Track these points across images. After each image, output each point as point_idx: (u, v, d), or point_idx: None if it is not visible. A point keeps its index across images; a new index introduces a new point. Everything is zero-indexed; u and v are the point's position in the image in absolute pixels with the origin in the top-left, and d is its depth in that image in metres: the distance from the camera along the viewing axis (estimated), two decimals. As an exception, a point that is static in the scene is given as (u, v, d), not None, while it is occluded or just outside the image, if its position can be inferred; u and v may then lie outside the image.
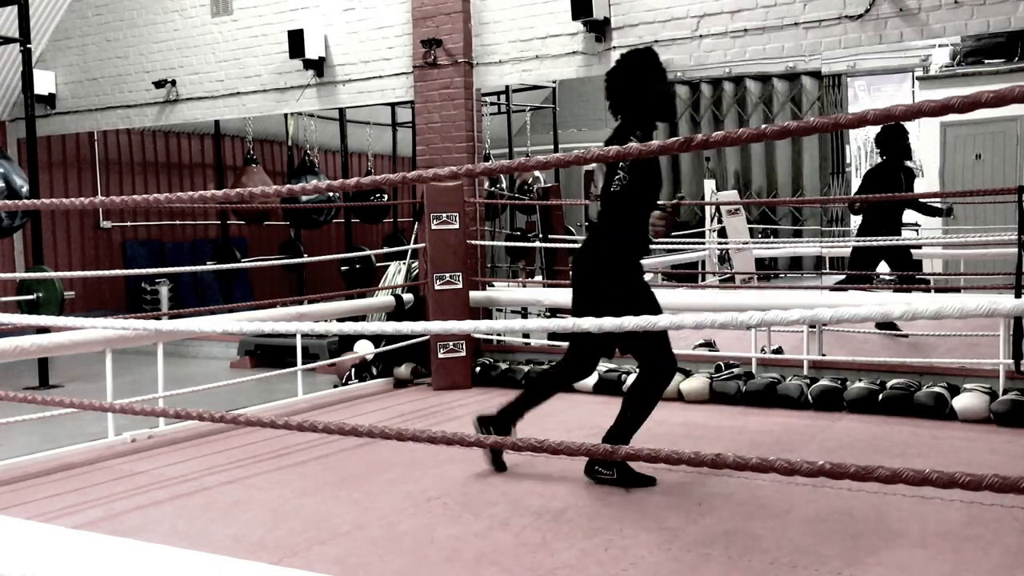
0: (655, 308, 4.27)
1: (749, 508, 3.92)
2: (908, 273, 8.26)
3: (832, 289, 8.12)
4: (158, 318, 8.33)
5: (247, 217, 11.81)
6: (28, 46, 8.70)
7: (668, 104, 4.43)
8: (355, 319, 7.73)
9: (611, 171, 4.14)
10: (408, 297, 7.69)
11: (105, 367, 5.41)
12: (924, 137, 12.20)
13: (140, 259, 12.02)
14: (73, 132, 10.91)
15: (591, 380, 6.55)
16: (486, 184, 9.75)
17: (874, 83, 14.32)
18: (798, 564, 3.28)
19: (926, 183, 12.16)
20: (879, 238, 8.30)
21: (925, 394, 5.60)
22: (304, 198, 10.30)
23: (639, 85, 4.23)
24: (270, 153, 13.21)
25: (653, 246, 4.48)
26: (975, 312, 1.89)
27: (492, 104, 10.79)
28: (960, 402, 5.47)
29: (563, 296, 7.15)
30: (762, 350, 6.85)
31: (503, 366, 7.07)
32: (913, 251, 11.86)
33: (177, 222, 12.88)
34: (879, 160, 8.43)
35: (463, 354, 7.05)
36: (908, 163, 8.87)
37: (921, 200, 8.34)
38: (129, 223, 12.38)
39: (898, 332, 7.58)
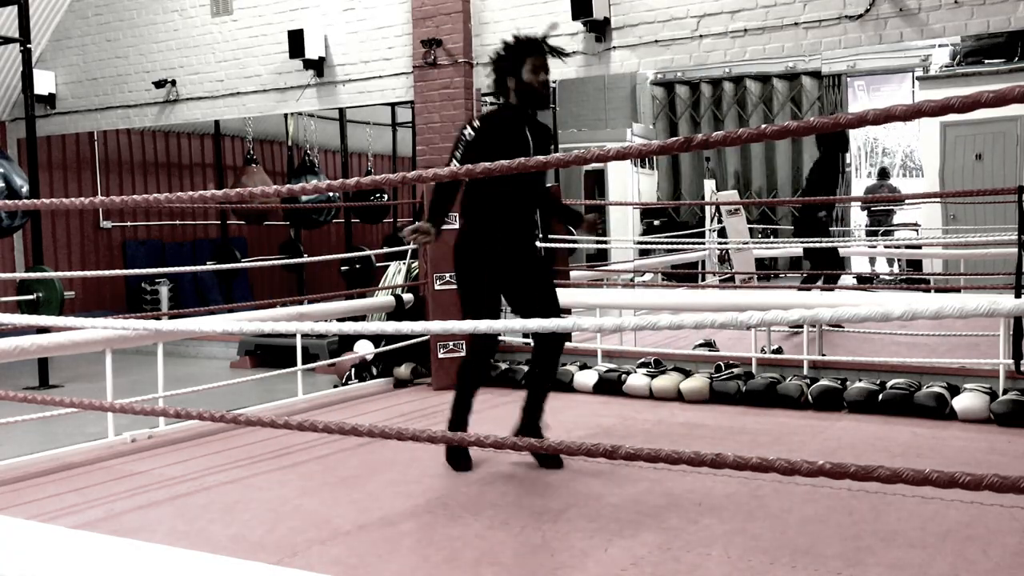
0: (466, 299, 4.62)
1: (749, 508, 3.92)
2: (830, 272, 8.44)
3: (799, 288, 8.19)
4: (158, 318, 8.34)
5: (247, 217, 11.81)
6: (28, 46, 8.70)
7: (527, 94, 4.52)
8: (355, 319, 7.73)
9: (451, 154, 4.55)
10: (408, 297, 7.69)
11: (105, 367, 5.41)
12: (924, 137, 12.23)
13: (140, 259, 12.03)
14: (73, 132, 10.91)
15: (591, 380, 6.56)
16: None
17: (874, 83, 14.35)
18: (798, 564, 3.28)
19: (926, 183, 12.19)
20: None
21: (925, 394, 5.59)
22: (304, 198, 10.30)
23: (501, 73, 4.56)
24: (270, 153, 13.22)
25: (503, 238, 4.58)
26: (975, 312, 1.89)
27: (492, 104, 10.78)
28: (960, 402, 5.46)
29: (563, 296, 7.14)
30: (762, 350, 6.85)
31: (503, 366, 7.06)
32: (913, 251, 11.91)
33: (177, 222, 12.89)
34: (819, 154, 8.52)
35: (463, 354, 7.04)
36: (844, 154, 9.08)
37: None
38: (129, 223, 12.38)
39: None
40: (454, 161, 4.45)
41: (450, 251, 7.21)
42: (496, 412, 5.70)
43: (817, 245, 8.24)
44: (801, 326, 6.60)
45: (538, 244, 4.91)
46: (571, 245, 10.65)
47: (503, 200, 4.51)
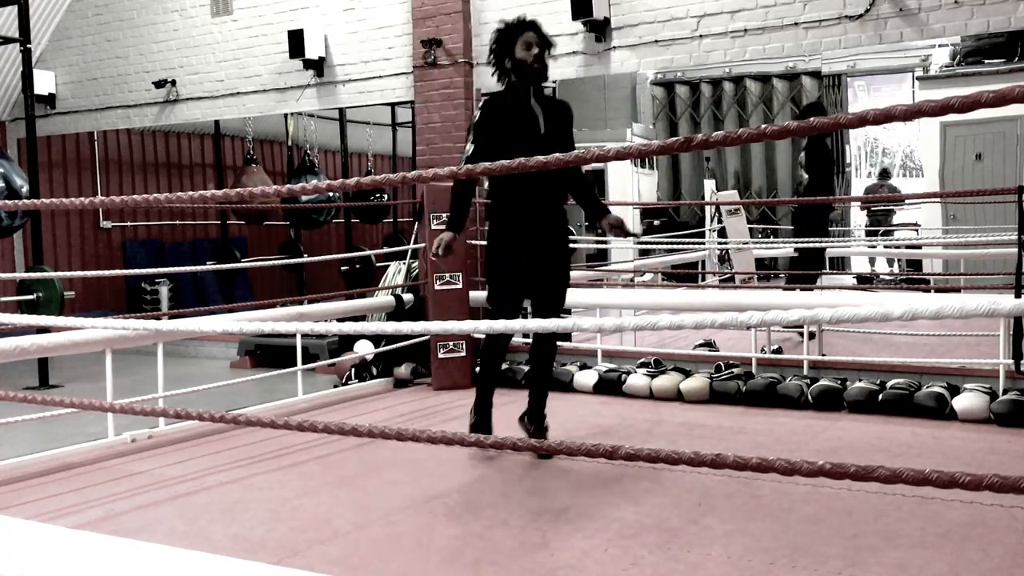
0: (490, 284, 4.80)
1: (749, 508, 3.92)
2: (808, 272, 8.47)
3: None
4: (158, 318, 8.33)
5: (247, 217, 11.81)
6: (28, 46, 8.70)
7: (522, 70, 4.62)
8: (355, 319, 7.73)
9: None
10: (408, 297, 7.69)
11: (105, 367, 5.41)
12: (924, 137, 12.22)
13: (140, 259, 12.02)
14: (73, 132, 10.91)
15: (591, 380, 6.56)
16: (486, 184, 9.75)
17: (874, 83, 14.35)
18: (798, 564, 3.28)
19: (926, 183, 12.18)
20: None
21: (925, 394, 5.59)
22: (304, 198, 10.30)
23: (498, 58, 4.68)
24: (270, 153, 13.21)
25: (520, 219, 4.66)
26: (975, 312, 1.89)
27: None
28: (960, 402, 5.46)
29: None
30: (762, 350, 6.85)
31: (503, 366, 7.06)
32: (913, 251, 11.91)
33: (177, 222, 12.89)
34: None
35: (463, 354, 7.05)
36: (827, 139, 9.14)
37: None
38: (129, 223, 12.38)
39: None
40: (469, 145, 4.61)
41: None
42: (496, 412, 5.69)
43: (815, 246, 8.24)
44: (802, 327, 6.60)
45: (564, 231, 4.89)
46: (571, 245, 10.64)
47: (519, 186, 4.58)
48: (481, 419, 4.89)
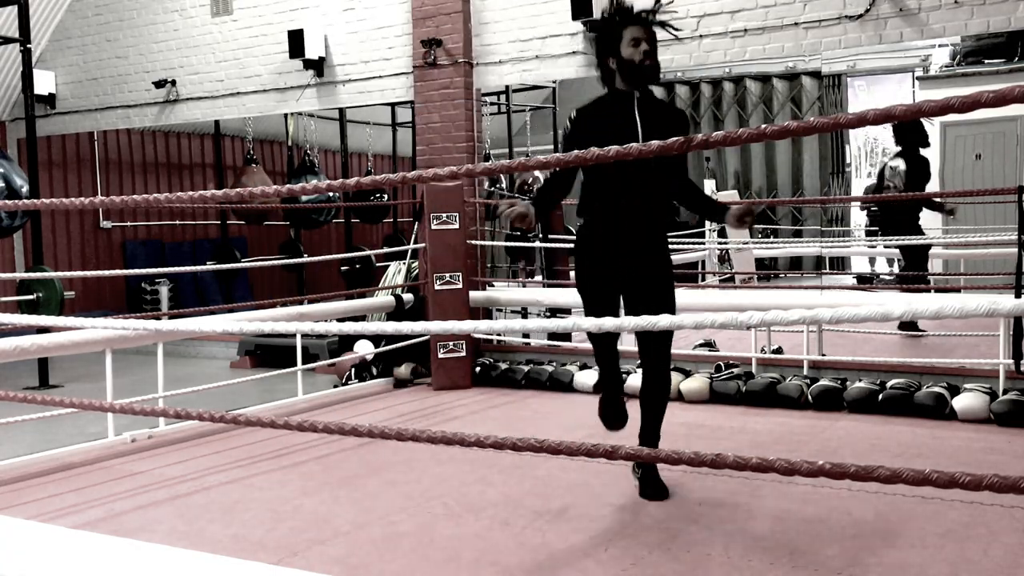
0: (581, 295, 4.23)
1: (749, 508, 3.92)
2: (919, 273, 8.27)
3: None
4: (158, 318, 8.33)
5: (247, 217, 11.81)
6: (28, 46, 8.70)
7: (630, 71, 3.98)
8: (355, 319, 7.73)
9: None
10: (408, 297, 7.68)
11: (105, 367, 5.41)
12: (924, 137, 12.21)
13: (140, 259, 12.02)
14: (73, 132, 10.90)
15: (591, 380, 6.56)
16: (486, 184, 9.74)
17: (874, 83, 14.33)
18: (798, 564, 3.28)
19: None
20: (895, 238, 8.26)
21: (925, 394, 5.59)
22: (304, 198, 10.29)
23: (601, 57, 4.08)
24: (270, 153, 13.20)
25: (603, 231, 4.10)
26: (975, 312, 1.89)
27: (492, 104, 10.77)
28: (960, 402, 5.46)
29: (563, 296, 7.16)
30: (762, 350, 6.85)
31: (503, 366, 7.06)
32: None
33: (177, 222, 12.88)
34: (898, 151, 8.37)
35: (463, 354, 7.05)
36: (923, 151, 8.83)
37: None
38: (129, 223, 12.38)
39: (919, 332, 7.61)
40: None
41: (449, 250, 7.26)
42: (496, 412, 5.70)
43: (912, 243, 8.12)
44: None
45: (663, 240, 4.20)
46: (571, 245, 10.64)
47: (609, 193, 3.99)
48: (607, 403, 4.34)
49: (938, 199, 8.49)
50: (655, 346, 4.10)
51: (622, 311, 4.20)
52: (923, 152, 8.53)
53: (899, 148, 8.34)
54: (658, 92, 4.34)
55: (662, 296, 4.08)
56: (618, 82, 4.01)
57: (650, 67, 3.95)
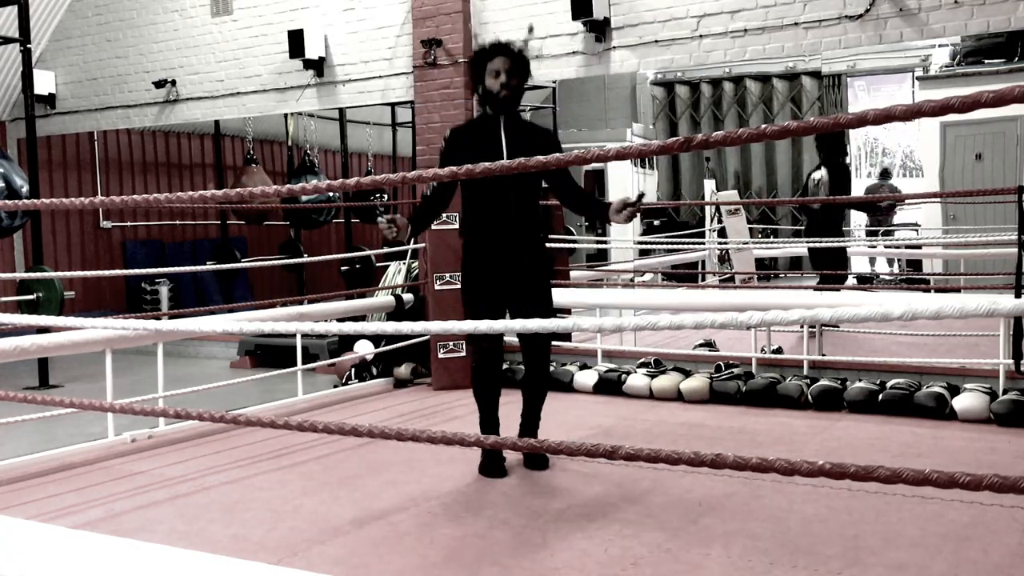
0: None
1: (749, 508, 3.92)
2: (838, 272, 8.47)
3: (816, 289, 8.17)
4: (158, 318, 8.33)
5: (247, 217, 11.82)
6: (28, 46, 8.70)
7: (490, 99, 4.40)
8: (355, 319, 7.73)
9: None
10: (408, 297, 7.69)
11: (105, 367, 5.41)
12: (924, 137, 12.23)
13: (140, 259, 12.03)
14: (73, 132, 10.91)
15: (591, 380, 6.56)
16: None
17: (874, 83, 14.36)
18: (798, 564, 3.28)
19: (926, 183, 12.19)
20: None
21: (925, 394, 5.59)
22: (304, 198, 10.30)
23: (475, 84, 4.49)
24: (270, 153, 13.22)
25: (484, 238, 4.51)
26: (975, 312, 1.89)
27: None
28: (960, 402, 5.46)
29: (563, 296, 7.15)
30: (762, 350, 6.85)
31: (502, 366, 7.05)
32: (913, 251, 11.91)
33: (177, 222, 12.89)
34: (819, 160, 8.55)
35: (463, 354, 7.05)
36: (845, 160, 9.11)
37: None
38: (129, 223, 12.38)
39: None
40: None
41: (450, 252, 7.25)
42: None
43: (825, 245, 8.23)
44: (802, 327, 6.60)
45: (538, 247, 4.59)
46: (571, 245, 10.65)
47: (486, 204, 4.42)
48: (486, 428, 4.63)
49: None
50: (536, 342, 4.57)
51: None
52: (844, 162, 8.75)
53: (820, 159, 8.49)
54: (658, 92, 4.56)
55: (540, 295, 4.55)
56: (487, 107, 4.46)
57: (507, 96, 4.36)
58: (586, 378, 6.62)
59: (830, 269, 8.26)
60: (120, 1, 10.11)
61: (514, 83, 4.37)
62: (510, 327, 2.43)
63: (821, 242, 8.29)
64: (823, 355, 6.67)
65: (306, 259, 10.49)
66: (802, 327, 6.58)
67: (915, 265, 12.02)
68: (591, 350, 7.24)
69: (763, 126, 1.90)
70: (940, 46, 11.46)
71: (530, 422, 4.68)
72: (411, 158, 10.75)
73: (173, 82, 9.71)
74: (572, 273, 9.72)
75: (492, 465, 4.52)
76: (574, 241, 11.15)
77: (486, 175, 2.28)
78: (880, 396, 5.71)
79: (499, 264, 4.47)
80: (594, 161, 2.12)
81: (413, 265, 8.50)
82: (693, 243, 11.26)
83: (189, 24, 9.65)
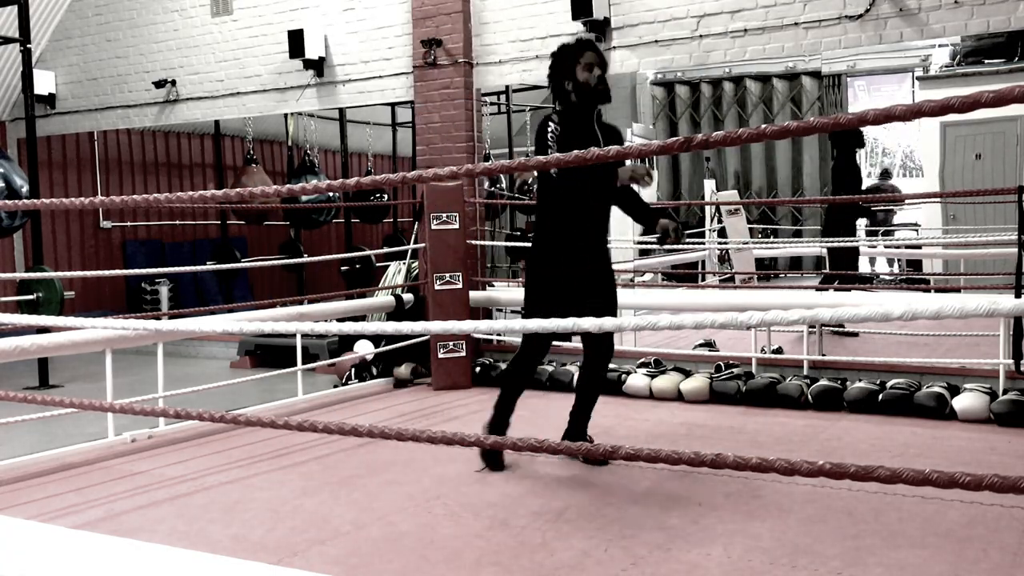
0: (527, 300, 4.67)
1: (749, 508, 3.92)
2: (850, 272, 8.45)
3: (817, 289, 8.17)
4: (158, 318, 8.33)
5: (247, 217, 11.81)
6: (28, 46, 8.70)
7: (585, 92, 4.46)
8: (355, 319, 7.73)
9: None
10: (408, 297, 7.68)
11: (105, 367, 5.41)
12: (924, 137, 12.22)
13: (140, 259, 12.02)
14: (73, 132, 10.91)
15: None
16: (486, 184, 9.74)
17: (874, 83, 14.34)
18: (798, 564, 3.28)
19: (926, 183, 12.19)
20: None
21: (925, 394, 5.59)
22: (304, 198, 10.29)
23: (557, 80, 4.53)
24: (270, 153, 13.21)
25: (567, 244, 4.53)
26: (975, 312, 1.89)
27: (492, 104, 10.78)
28: (960, 402, 5.46)
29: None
30: (762, 350, 6.85)
31: (503, 366, 7.06)
32: (913, 251, 11.91)
33: (177, 222, 12.89)
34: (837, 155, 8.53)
35: (463, 354, 7.05)
36: (860, 150, 9.10)
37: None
38: (129, 223, 12.38)
39: (848, 332, 7.69)
40: (551, 152, 4.34)
41: (449, 250, 7.25)
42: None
43: (841, 245, 8.21)
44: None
45: (608, 247, 4.73)
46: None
47: (572, 200, 4.44)
48: (498, 424, 4.67)
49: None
50: (604, 345, 4.69)
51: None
52: (854, 153, 8.72)
53: (833, 154, 8.50)
54: (658, 92, 4.68)
55: (613, 295, 4.65)
56: (574, 99, 4.47)
57: (603, 90, 4.47)
58: (586, 378, 6.62)
59: (846, 268, 8.25)
60: (120, 1, 10.11)
61: (606, 77, 4.51)
62: (510, 327, 2.44)
63: (827, 243, 8.29)
64: (823, 355, 6.67)
65: (306, 259, 10.48)
66: (813, 326, 6.58)
67: (915, 265, 12.01)
68: (591, 350, 7.23)
69: (763, 126, 1.90)
70: (940, 46, 11.45)
71: (582, 420, 4.70)
72: (411, 158, 10.75)
73: (173, 82, 9.71)
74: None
75: (495, 455, 4.58)
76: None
77: (487, 174, 2.27)
78: (880, 396, 5.71)
79: (581, 263, 4.51)
80: (595, 161, 2.12)
81: (413, 265, 8.50)
82: (693, 243, 11.26)
83: (189, 24, 9.65)
